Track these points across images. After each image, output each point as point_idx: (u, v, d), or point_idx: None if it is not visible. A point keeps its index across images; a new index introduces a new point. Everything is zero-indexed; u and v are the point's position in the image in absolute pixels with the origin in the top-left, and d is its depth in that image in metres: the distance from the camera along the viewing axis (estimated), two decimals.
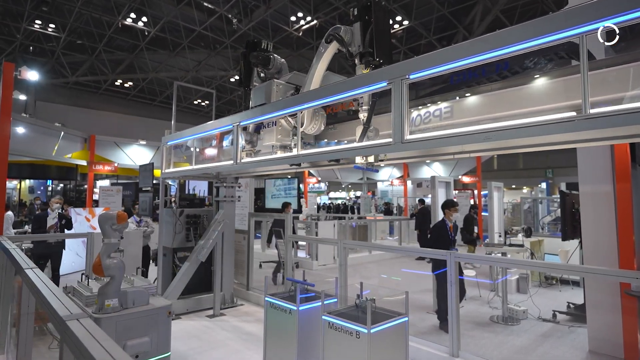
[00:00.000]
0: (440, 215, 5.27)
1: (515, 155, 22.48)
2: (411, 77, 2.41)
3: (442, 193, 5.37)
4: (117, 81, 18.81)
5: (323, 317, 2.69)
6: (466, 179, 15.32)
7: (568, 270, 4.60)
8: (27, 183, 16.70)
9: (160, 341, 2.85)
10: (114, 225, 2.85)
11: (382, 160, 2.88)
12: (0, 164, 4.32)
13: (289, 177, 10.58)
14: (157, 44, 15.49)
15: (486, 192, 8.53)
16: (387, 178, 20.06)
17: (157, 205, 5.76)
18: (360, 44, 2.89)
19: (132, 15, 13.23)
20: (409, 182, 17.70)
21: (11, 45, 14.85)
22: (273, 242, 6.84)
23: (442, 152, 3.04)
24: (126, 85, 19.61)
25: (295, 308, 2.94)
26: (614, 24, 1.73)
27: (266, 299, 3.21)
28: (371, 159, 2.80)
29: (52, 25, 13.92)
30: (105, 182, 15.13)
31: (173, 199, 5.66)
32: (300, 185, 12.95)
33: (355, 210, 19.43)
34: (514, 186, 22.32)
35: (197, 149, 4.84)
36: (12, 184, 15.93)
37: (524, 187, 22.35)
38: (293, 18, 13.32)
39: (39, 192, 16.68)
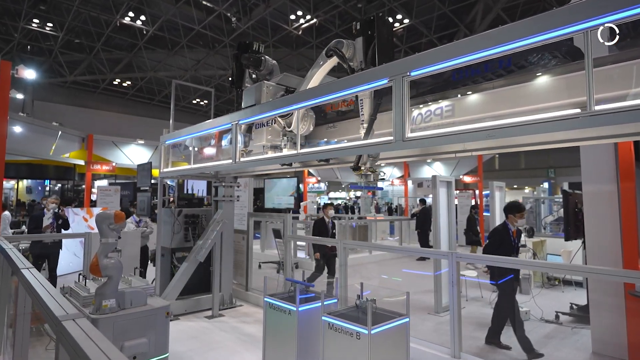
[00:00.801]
0: (442, 216, 5.23)
1: (517, 155, 22.44)
2: (412, 74, 2.37)
3: (443, 193, 5.32)
4: (115, 80, 18.75)
5: (323, 317, 2.66)
6: (467, 179, 15.30)
7: (571, 271, 4.56)
8: (24, 183, 16.63)
9: (159, 342, 2.82)
10: (112, 224, 2.83)
11: (382, 180, 2.81)
12: None
13: (288, 176, 10.55)
14: (155, 43, 15.43)
15: (487, 192, 8.51)
16: (388, 178, 20.04)
17: (156, 205, 5.71)
18: (362, 60, 2.84)
19: (131, 13, 13.16)
20: (409, 182, 17.67)
21: (9, 45, 14.77)
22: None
23: (444, 150, 3.01)
24: (124, 84, 19.55)
25: (294, 309, 2.91)
26: (618, 19, 1.70)
27: (265, 299, 3.18)
28: (369, 161, 2.75)
29: (50, 24, 13.85)
30: (104, 182, 15.07)
31: (171, 199, 5.63)
32: (300, 185, 12.92)
33: (356, 211, 19.40)
34: (515, 186, 22.28)
35: (196, 149, 4.80)
36: (9, 184, 15.85)
37: (526, 187, 22.31)
38: (292, 16, 13.28)
39: (37, 192, 16.62)
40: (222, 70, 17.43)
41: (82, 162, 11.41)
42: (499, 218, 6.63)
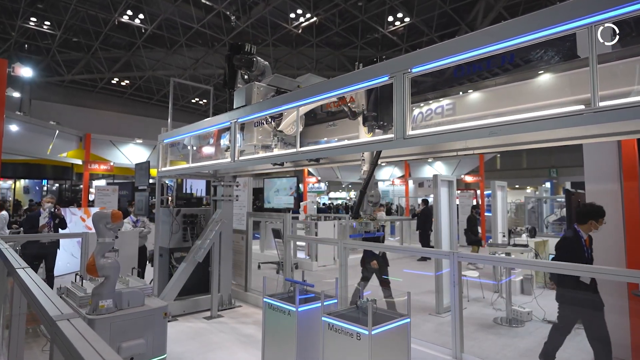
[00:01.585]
0: (443, 215, 5.18)
1: (519, 155, 22.44)
2: (413, 70, 2.34)
3: (445, 192, 5.29)
4: (113, 79, 18.66)
5: (323, 318, 2.64)
6: (469, 179, 15.27)
7: (573, 271, 4.51)
8: (22, 183, 16.54)
9: (156, 343, 2.80)
10: (109, 224, 2.80)
11: (383, 226, 2.74)
12: None
13: (288, 176, 10.51)
14: (154, 42, 15.36)
15: (489, 191, 8.48)
16: (388, 177, 20.00)
17: (154, 204, 5.67)
18: (364, 103, 2.81)
19: (129, 12, 13.09)
20: (410, 182, 17.63)
21: (6, 43, 14.68)
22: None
23: (445, 148, 2.97)
24: (123, 83, 19.46)
25: (294, 309, 2.88)
26: (622, 14, 1.67)
27: (264, 299, 3.15)
28: (369, 207, 2.68)
29: (48, 23, 13.76)
30: (102, 182, 15.00)
31: (170, 199, 5.58)
32: (300, 185, 12.88)
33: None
34: (517, 186, 22.25)
35: (194, 147, 4.77)
36: (6, 184, 15.77)
37: (528, 187, 22.29)
38: (292, 15, 13.23)
39: (34, 192, 16.53)
40: (221, 69, 17.35)
41: (79, 162, 11.35)
42: (500, 218, 6.60)
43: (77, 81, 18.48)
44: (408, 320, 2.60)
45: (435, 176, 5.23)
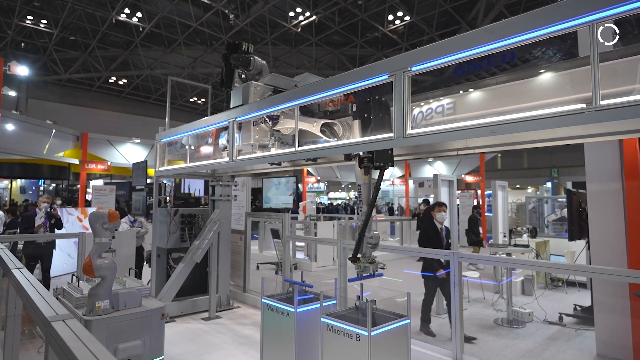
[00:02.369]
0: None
1: (520, 155, 22.48)
2: (413, 69, 2.31)
3: (445, 192, 5.28)
4: (111, 78, 18.57)
5: (322, 319, 2.61)
6: (469, 178, 15.28)
7: (575, 271, 4.51)
8: (18, 183, 16.43)
9: (154, 344, 2.78)
10: (105, 224, 2.78)
11: (383, 268, 2.66)
12: None
13: (287, 175, 10.47)
14: (152, 40, 15.29)
15: (490, 191, 8.46)
16: (388, 177, 19.99)
17: (151, 204, 5.63)
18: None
19: (127, 10, 13.02)
20: (410, 182, 17.61)
21: (2, 42, 14.56)
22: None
23: (446, 147, 2.95)
24: (120, 82, 19.36)
25: (293, 310, 2.86)
26: (625, 12, 1.65)
27: (263, 300, 3.12)
28: (368, 249, 2.62)
29: (44, 21, 13.66)
30: (99, 182, 14.92)
31: (168, 199, 5.54)
32: (299, 185, 12.84)
33: (356, 211, 19.25)
34: (518, 186, 22.25)
35: (192, 147, 4.73)
36: (3, 183, 15.66)
37: (529, 187, 22.30)
38: (292, 13, 13.19)
39: (31, 191, 16.43)
40: (220, 68, 17.27)
41: (76, 162, 11.27)
42: (501, 218, 6.58)
43: (74, 80, 18.38)
44: (408, 321, 2.58)
45: (435, 176, 5.22)
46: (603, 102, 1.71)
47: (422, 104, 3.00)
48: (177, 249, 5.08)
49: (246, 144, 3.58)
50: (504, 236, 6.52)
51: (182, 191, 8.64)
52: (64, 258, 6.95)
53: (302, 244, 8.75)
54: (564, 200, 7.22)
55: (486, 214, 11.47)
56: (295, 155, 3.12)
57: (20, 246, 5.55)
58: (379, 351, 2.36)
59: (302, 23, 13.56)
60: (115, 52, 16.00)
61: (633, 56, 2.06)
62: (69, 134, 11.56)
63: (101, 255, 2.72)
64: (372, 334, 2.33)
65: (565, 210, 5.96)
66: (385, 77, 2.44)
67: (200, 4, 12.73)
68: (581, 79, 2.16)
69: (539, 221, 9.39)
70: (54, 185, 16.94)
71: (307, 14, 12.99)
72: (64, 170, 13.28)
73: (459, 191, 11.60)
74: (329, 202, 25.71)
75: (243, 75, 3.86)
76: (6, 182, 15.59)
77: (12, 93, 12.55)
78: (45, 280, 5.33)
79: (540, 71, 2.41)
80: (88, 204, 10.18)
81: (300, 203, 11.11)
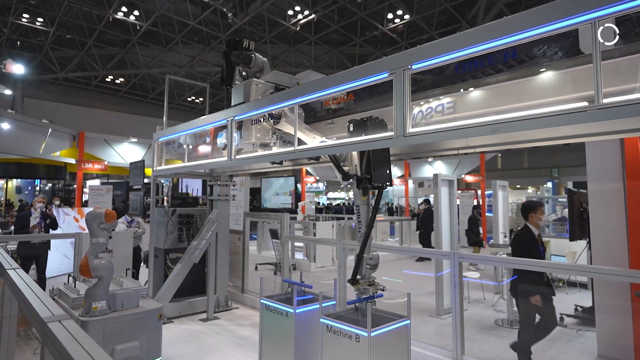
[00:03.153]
0: (444, 216, 5.10)
1: (520, 155, 22.48)
2: (414, 67, 2.29)
3: (445, 192, 5.26)
4: (107, 77, 18.45)
5: (321, 320, 2.59)
6: (469, 178, 15.26)
7: (575, 271, 4.49)
8: (14, 182, 16.30)
9: (151, 346, 2.75)
10: (102, 224, 2.75)
11: (382, 290, 2.63)
12: None
13: (286, 175, 10.44)
14: (149, 39, 15.19)
15: (490, 191, 8.45)
16: None
17: (149, 204, 5.58)
18: (357, 165, 2.73)
19: (124, 8, 12.92)
20: (410, 182, 17.56)
21: None
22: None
23: (446, 147, 2.93)
24: (117, 81, 19.24)
25: (292, 311, 2.84)
26: (627, 9, 1.64)
27: (262, 301, 3.10)
28: (367, 271, 2.60)
29: (41, 19, 13.54)
30: (96, 182, 14.82)
31: (166, 198, 5.49)
32: (298, 185, 12.80)
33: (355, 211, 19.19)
34: (518, 186, 22.24)
35: (190, 146, 4.69)
36: None
37: (529, 187, 22.33)
38: (290, 12, 13.12)
39: (27, 191, 16.30)
40: (218, 67, 17.22)
41: (73, 161, 11.19)
42: (502, 218, 6.57)
43: (71, 79, 18.24)
44: (408, 321, 2.56)
45: (435, 175, 5.20)
46: (605, 101, 1.69)
47: (422, 103, 2.98)
48: (174, 250, 5.04)
49: (247, 143, 3.54)
50: (505, 236, 6.51)
51: (179, 191, 8.59)
52: (60, 259, 6.89)
53: (301, 244, 8.72)
54: (565, 200, 7.22)
55: (486, 214, 11.46)
56: (293, 155, 3.09)
57: (10, 247, 5.46)
58: (379, 352, 2.34)
59: (301, 22, 13.51)
60: (112, 51, 15.89)
61: (635, 54, 2.05)
62: (65, 133, 11.46)
63: (98, 256, 2.70)
64: (372, 334, 2.31)
65: (566, 210, 5.96)
66: (386, 75, 2.42)
67: (198, 2, 12.66)
68: (583, 77, 2.14)
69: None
70: (50, 185, 16.81)
71: (306, 12, 12.94)
72: (61, 170, 13.17)
73: (459, 191, 11.58)
74: (328, 202, 25.71)
75: (244, 73, 3.83)
76: (2, 182, 15.45)
77: (8, 92, 12.44)
78: (41, 282, 5.27)
79: (542, 69, 2.40)
80: (85, 204, 10.11)
81: (299, 203, 11.08)
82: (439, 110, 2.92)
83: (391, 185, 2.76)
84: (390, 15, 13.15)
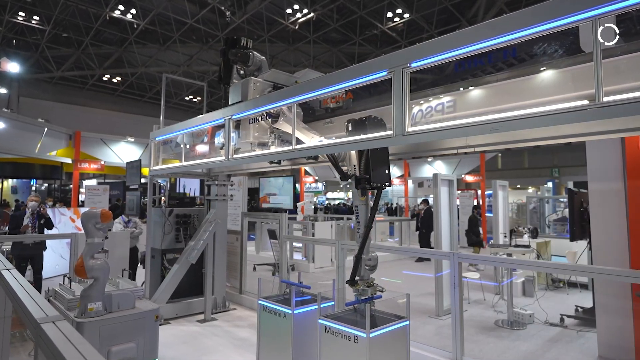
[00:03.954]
0: (443, 216, 5.07)
1: (520, 154, 22.49)
2: (413, 65, 2.26)
3: (445, 192, 5.24)
4: (104, 76, 18.33)
5: (319, 321, 2.57)
6: (469, 178, 15.24)
7: (576, 271, 4.48)
8: (9, 182, 16.17)
9: (147, 347, 2.73)
10: (98, 224, 2.72)
11: (381, 291, 2.58)
12: None
13: (284, 175, 10.40)
14: (146, 38, 15.10)
15: (490, 191, 8.44)
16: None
17: (146, 204, 5.54)
18: (355, 165, 2.70)
19: (121, 7, 12.84)
20: (409, 182, 17.54)
21: None
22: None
23: (446, 146, 2.91)
24: (114, 80, 19.13)
25: (290, 312, 2.81)
26: (628, 6, 1.62)
27: (259, 302, 3.07)
28: (366, 272, 2.56)
29: (37, 17, 13.43)
30: (92, 182, 14.72)
31: (163, 198, 5.44)
32: (297, 185, 12.75)
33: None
34: (518, 186, 22.18)
35: (188, 146, 4.65)
36: None
37: (529, 187, 22.27)
38: (289, 10, 13.08)
39: (23, 191, 16.17)
40: (216, 66, 17.06)
41: (69, 161, 11.11)
42: (502, 218, 6.56)
43: (67, 78, 18.12)
44: (407, 322, 2.54)
45: (435, 175, 5.18)
46: (606, 99, 1.68)
47: (421, 102, 2.96)
48: (171, 250, 5.00)
49: (245, 142, 3.51)
50: (505, 236, 6.50)
51: (177, 191, 8.53)
52: (56, 259, 6.82)
53: (300, 244, 8.69)
54: (565, 200, 7.22)
55: (486, 214, 11.45)
56: (291, 154, 3.07)
57: (5, 248, 5.39)
58: (378, 353, 2.32)
59: (300, 20, 13.46)
60: (109, 50, 15.79)
61: (636, 52, 2.04)
62: (61, 132, 11.38)
63: (93, 256, 2.67)
64: (371, 335, 2.29)
65: (567, 210, 5.95)
66: (385, 73, 2.39)
67: (195, 0, 12.58)
68: (583, 76, 2.13)
69: (540, 221, 9.40)
70: (46, 185, 16.69)
71: (305, 11, 12.89)
72: (57, 169, 13.08)
73: (459, 191, 11.56)
74: (327, 202, 25.68)
75: (242, 71, 3.80)
76: None
77: (3, 90, 12.34)
78: (37, 282, 5.21)
79: (542, 68, 2.38)
80: (81, 204, 10.03)
81: (298, 203, 11.04)
82: (439, 109, 2.90)
83: (390, 185, 2.74)
84: (389, 14, 13.12)
